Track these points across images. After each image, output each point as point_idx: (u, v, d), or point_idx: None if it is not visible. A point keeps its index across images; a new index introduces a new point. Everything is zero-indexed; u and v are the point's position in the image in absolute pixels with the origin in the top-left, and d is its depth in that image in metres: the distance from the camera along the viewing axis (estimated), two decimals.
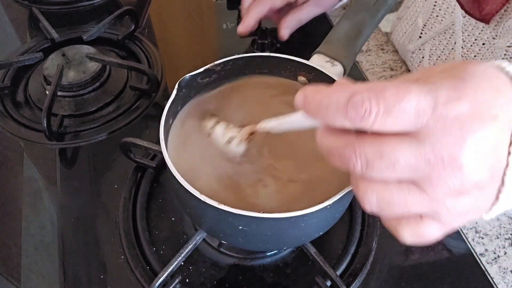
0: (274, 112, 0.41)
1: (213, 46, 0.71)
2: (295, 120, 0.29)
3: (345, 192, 0.31)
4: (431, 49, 0.60)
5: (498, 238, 0.46)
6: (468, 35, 0.51)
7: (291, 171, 0.38)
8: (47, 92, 0.57)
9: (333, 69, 0.42)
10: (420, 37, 0.61)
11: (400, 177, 0.22)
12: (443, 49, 0.57)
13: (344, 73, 0.43)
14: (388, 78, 0.64)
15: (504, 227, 0.47)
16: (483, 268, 0.44)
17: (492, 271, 0.44)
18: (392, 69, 0.65)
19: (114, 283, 0.42)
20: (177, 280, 0.41)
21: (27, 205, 0.48)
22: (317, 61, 0.42)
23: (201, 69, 0.40)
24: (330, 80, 0.40)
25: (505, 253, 0.45)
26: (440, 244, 0.45)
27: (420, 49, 0.62)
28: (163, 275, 0.39)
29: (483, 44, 0.49)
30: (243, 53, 0.42)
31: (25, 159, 0.53)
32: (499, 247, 0.46)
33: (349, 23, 0.44)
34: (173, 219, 0.47)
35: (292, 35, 0.70)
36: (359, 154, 0.22)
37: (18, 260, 0.44)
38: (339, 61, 0.42)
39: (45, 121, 0.51)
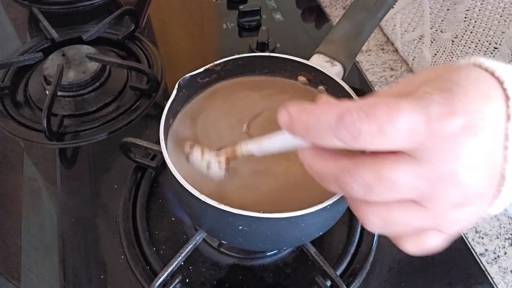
0: (274, 110, 0.41)
1: (213, 46, 0.71)
2: (278, 141, 0.27)
3: None
4: (401, 18, 0.64)
5: (498, 238, 0.46)
6: (434, 3, 0.57)
7: (291, 171, 0.38)
8: (47, 92, 0.57)
9: (333, 69, 0.42)
10: (393, 7, 0.66)
11: (401, 197, 0.22)
12: (413, 16, 0.61)
13: (344, 73, 0.43)
14: (388, 78, 0.64)
15: (504, 227, 0.47)
16: (483, 268, 0.44)
17: (492, 271, 0.44)
18: (392, 69, 0.65)
19: (114, 283, 0.42)
20: (177, 280, 0.41)
21: (27, 205, 0.48)
22: (317, 61, 0.42)
23: (201, 69, 0.40)
24: (330, 80, 0.40)
25: (505, 253, 0.45)
26: None
27: (392, 18, 0.67)
28: (163, 275, 0.39)
29: (448, 9, 0.54)
30: (243, 53, 0.42)
31: (25, 159, 0.53)
32: (499, 247, 0.46)
33: (349, 23, 0.44)
34: (173, 219, 0.47)
35: (293, 35, 0.70)
36: (356, 180, 0.21)
37: (18, 260, 0.44)
38: (339, 61, 0.42)
39: (45, 121, 0.51)
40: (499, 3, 0.47)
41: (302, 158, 0.24)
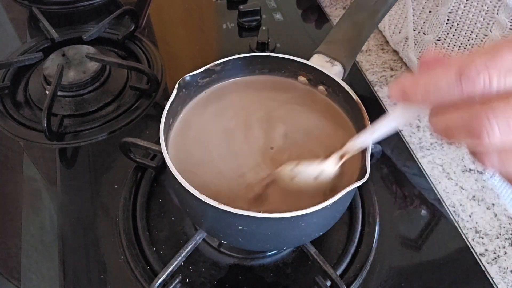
0: (274, 110, 0.41)
1: (213, 46, 0.71)
2: (390, 122, 0.28)
3: (345, 192, 0.31)
4: (389, 19, 0.65)
5: (498, 238, 0.46)
6: (417, 5, 0.57)
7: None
8: (47, 92, 0.57)
9: (333, 69, 0.42)
10: None
11: None
12: (398, 18, 0.62)
13: (344, 73, 0.43)
14: (388, 78, 0.64)
15: (504, 227, 0.47)
16: (483, 268, 0.44)
17: (492, 271, 0.44)
18: (392, 69, 0.65)
19: (114, 283, 0.42)
20: (177, 280, 0.41)
21: (27, 205, 0.48)
22: (317, 61, 0.42)
23: (201, 69, 0.40)
24: (330, 80, 0.40)
25: (505, 253, 0.45)
26: (440, 244, 0.45)
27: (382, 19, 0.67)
28: (163, 275, 0.39)
29: (430, 12, 0.55)
30: (243, 53, 0.42)
31: (25, 159, 0.53)
32: (499, 247, 0.46)
33: (349, 23, 0.44)
34: (173, 219, 0.47)
35: (293, 35, 0.70)
36: (493, 121, 0.21)
37: (18, 260, 0.44)
38: (339, 61, 0.42)
39: (45, 121, 0.51)
40: (482, 5, 0.47)
41: (429, 120, 0.24)
